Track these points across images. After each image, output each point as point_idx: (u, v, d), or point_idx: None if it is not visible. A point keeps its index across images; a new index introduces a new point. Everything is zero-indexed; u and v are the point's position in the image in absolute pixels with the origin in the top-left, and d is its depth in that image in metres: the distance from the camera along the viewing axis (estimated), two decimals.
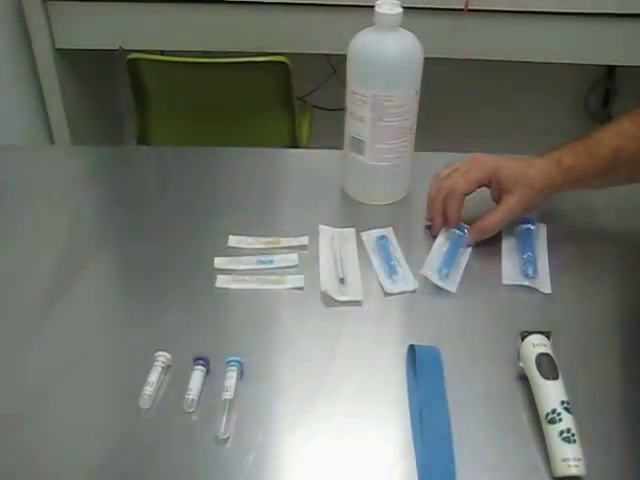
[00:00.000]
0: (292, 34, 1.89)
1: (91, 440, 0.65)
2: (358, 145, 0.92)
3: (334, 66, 2.18)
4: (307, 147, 1.90)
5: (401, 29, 0.86)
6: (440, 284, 0.81)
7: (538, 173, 0.84)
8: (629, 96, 2.34)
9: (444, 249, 0.86)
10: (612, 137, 0.85)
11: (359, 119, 0.90)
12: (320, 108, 2.17)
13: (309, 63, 1.89)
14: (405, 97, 0.88)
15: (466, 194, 0.86)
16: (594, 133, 0.86)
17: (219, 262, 0.85)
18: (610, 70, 2.37)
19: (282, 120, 1.81)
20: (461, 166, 0.87)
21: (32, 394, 0.69)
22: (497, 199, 0.87)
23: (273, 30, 1.88)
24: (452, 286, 0.81)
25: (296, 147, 1.84)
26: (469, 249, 0.87)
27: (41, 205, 0.97)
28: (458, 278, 0.82)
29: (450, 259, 0.84)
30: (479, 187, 0.86)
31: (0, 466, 0.62)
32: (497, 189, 0.86)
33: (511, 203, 0.85)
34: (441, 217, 0.87)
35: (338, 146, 0.98)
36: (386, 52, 0.85)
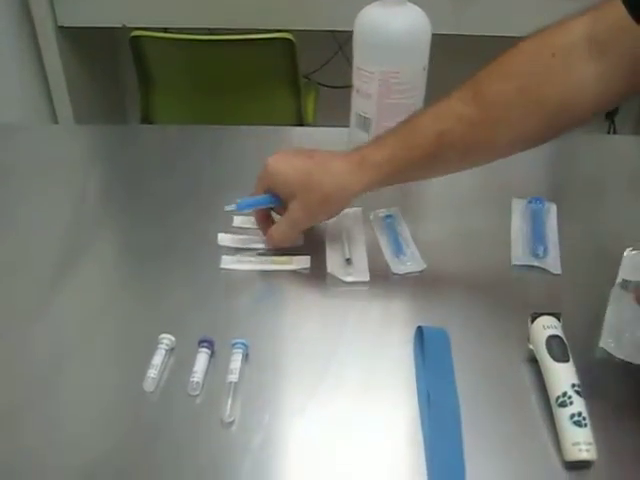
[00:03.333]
0: (297, 11, 1.86)
1: (96, 424, 0.64)
2: (364, 123, 0.90)
3: (340, 43, 2.15)
4: (312, 125, 1.89)
5: (408, 3, 0.84)
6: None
7: (326, 176, 0.76)
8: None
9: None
10: (433, 121, 0.73)
11: (365, 96, 0.88)
12: (325, 86, 2.15)
13: (314, 40, 1.87)
14: (412, 73, 0.86)
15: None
16: (412, 119, 0.76)
17: (222, 239, 0.85)
18: None
19: (287, 98, 1.79)
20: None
21: (36, 377, 0.68)
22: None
23: (278, 7, 1.86)
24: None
25: (301, 125, 1.83)
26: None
27: (44, 185, 0.96)
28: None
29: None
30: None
31: (5, 451, 0.61)
32: (282, 195, 0.79)
33: (294, 212, 0.77)
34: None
35: (344, 124, 0.96)
36: (393, 27, 0.83)
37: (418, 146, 0.73)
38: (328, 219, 0.82)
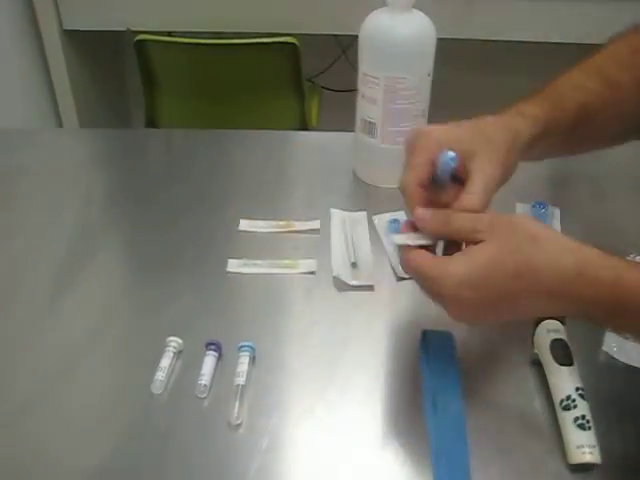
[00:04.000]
0: (301, 15, 1.87)
1: (104, 425, 0.65)
2: (369, 127, 0.91)
3: (343, 47, 2.16)
4: (316, 128, 1.89)
5: (414, 10, 0.85)
6: None
7: (495, 128, 0.66)
8: None
9: None
10: (574, 91, 0.70)
11: (370, 101, 0.89)
12: (329, 89, 2.15)
13: (318, 44, 1.87)
14: (417, 79, 0.87)
15: (421, 185, 0.63)
16: (552, 86, 0.71)
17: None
18: None
19: (291, 101, 1.79)
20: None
21: (44, 379, 0.69)
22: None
23: (282, 11, 1.86)
24: None
25: (305, 128, 1.83)
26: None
27: (50, 188, 0.97)
28: None
29: None
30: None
31: (15, 450, 0.62)
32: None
33: (484, 167, 0.62)
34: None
35: (347, 128, 0.97)
36: (398, 33, 0.84)
37: (565, 109, 0.69)
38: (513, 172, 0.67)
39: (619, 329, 0.61)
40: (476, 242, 0.57)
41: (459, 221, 0.59)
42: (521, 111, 0.67)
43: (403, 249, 0.60)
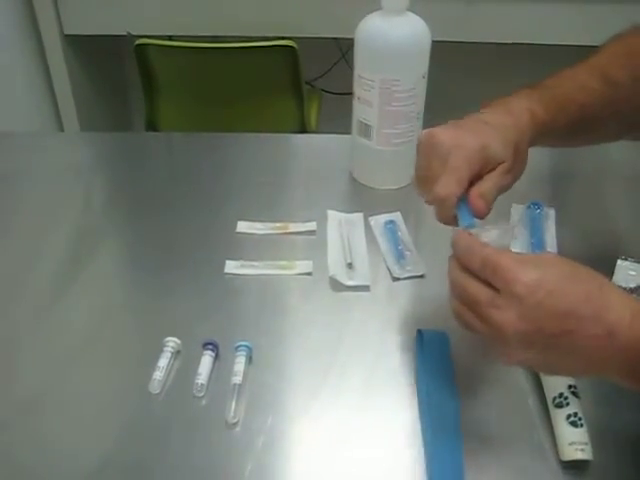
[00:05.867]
0: (301, 18, 1.87)
1: (102, 424, 0.65)
2: (366, 129, 0.92)
3: (342, 50, 2.17)
4: (315, 131, 1.90)
5: (409, 13, 0.86)
6: None
7: (517, 135, 0.67)
8: None
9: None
10: (578, 92, 0.72)
11: (366, 103, 0.89)
12: (329, 92, 2.16)
13: (318, 47, 1.88)
14: (413, 81, 0.87)
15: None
16: (557, 84, 0.72)
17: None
18: None
19: (290, 104, 1.80)
20: (444, 159, 0.65)
21: (43, 379, 0.70)
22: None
23: (282, 14, 1.87)
24: None
25: (305, 131, 1.84)
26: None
27: (51, 192, 0.97)
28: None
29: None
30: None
31: (14, 448, 0.63)
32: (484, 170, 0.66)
33: (502, 171, 0.66)
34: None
35: (347, 130, 0.97)
36: (393, 36, 0.85)
37: (568, 113, 0.70)
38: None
39: None
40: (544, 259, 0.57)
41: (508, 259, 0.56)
42: (530, 110, 0.69)
43: (466, 240, 0.59)
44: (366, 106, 0.90)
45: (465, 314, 0.57)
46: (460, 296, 0.58)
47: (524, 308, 0.53)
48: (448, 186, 0.63)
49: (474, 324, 0.56)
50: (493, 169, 0.65)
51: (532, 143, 0.69)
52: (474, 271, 0.57)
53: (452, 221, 0.66)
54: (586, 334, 0.52)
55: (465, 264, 0.58)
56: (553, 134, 0.71)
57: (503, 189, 0.67)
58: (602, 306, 0.53)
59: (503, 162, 0.66)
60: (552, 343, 0.53)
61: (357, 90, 0.91)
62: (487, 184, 0.65)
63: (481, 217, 0.64)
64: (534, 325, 0.53)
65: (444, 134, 0.66)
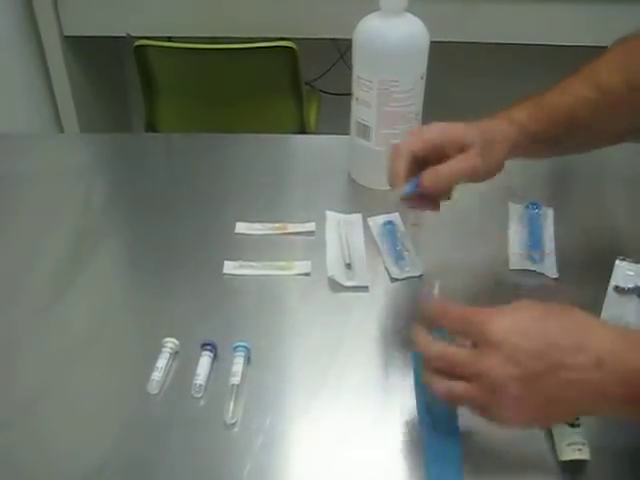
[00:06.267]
0: (300, 19, 1.88)
1: (101, 424, 0.66)
2: (364, 130, 0.92)
3: (341, 51, 2.17)
4: (315, 132, 1.90)
5: (407, 14, 0.86)
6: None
7: (499, 132, 0.72)
8: None
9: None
10: (565, 99, 0.74)
11: (365, 104, 0.90)
12: (328, 93, 2.16)
13: (317, 48, 1.88)
14: (411, 82, 0.88)
15: (415, 152, 0.70)
16: (546, 94, 0.75)
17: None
18: None
19: (290, 105, 1.80)
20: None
21: (42, 380, 0.70)
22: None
23: (281, 15, 1.87)
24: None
25: (304, 132, 1.84)
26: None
27: (51, 193, 0.98)
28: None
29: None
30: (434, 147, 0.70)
31: (14, 448, 0.63)
32: (452, 148, 0.70)
33: (471, 154, 0.69)
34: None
35: (346, 131, 0.97)
36: (391, 37, 0.85)
37: (554, 123, 0.73)
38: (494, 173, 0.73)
39: None
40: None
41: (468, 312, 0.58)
42: (511, 117, 0.73)
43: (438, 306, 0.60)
44: (365, 107, 0.90)
45: (453, 386, 0.56)
46: (440, 368, 0.57)
47: (504, 353, 0.54)
48: (408, 140, 0.70)
49: (465, 390, 0.56)
50: (462, 151, 0.69)
51: (519, 150, 0.72)
52: (449, 327, 0.59)
53: (399, 179, 0.69)
54: (572, 366, 0.53)
55: (437, 323, 0.59)
56: (541, 141, 0.73)
57: (467, 174, 0.69)
58: (584, 336, 0.54)
59: (472, 145, 0.69)
60: (542, 384, 0.53)
61: (356, 91, 0.91)
62: (447, 164, 0.68)
63: (426, 190, 0.69)
64: (520, 368, 0.53)
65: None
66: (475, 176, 0.70)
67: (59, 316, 0.77)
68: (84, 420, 0.66)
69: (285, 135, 1.17)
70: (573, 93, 0.74)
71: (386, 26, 0.85)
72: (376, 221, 0.89)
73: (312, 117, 1.93)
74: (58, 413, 0.67)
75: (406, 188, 0.69)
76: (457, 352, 0.57)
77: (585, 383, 0.53)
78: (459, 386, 0.56)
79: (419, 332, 0.60)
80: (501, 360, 0.54)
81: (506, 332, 0.54)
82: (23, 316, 0.77)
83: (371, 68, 0.87)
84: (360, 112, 0.91)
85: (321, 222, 0.89)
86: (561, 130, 0.74)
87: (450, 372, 0.56)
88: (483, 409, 0.57)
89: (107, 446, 0.63)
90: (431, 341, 0.59)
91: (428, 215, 0.90)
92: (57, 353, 0.73)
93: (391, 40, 0.85)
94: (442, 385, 0.57)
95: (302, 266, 0.83)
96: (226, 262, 0.83)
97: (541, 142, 0.73)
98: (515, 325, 0.55)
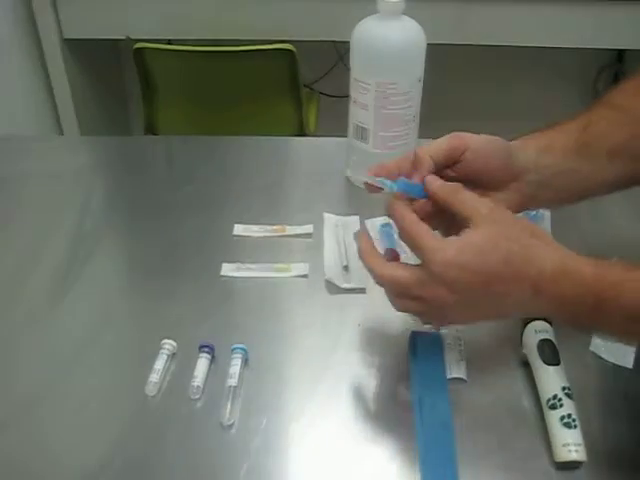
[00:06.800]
0: (299, 22, 1.88)
1: (99, 426, 0.66)
2: (362, 133, 0.92)
3: (340, 53, 2.17)
4: (314, 134, 1.90)
5: (404, 16, 0.86)
6: None
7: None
8: None
9: None
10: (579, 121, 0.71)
11: (362, 107, 0.90)
12: (327, 95, 2.17)
13: (316, 50, 1.89)
14: (408, 84, 0.88)
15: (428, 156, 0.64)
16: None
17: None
18: (620, 54, 2.36)
19: (289, 108, 1.81)
20: None
21: (41, 381, 0.70)
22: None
23: (280, 18, 1.88)
24: None
25: (303, 134, 1.84)
26: None
27: (50, 195, 0.98)
28: None
29: None
30: (448, 157, 0.64)
31: (13, 448, 0.64)
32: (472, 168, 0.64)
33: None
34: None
35: (345, 133, 0.98)
36: (388, 39, 0.85)
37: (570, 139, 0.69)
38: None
39: (600, 328, 0.61)
40: (473, 222, 0.58)
41: (466, 194, 0.60)
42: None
43: (401, 210, 0.61)
44: (362, 109, 0.90)
45: (405, 304, 0.61)
46: (392, 290, 0.62)
47: (444, 284, 0.57)
48: (424, 149, 0.64)
49: (414, 309, 0.61)
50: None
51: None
52: (400, 234, 0.61)
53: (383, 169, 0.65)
54: (512, 292, 0.57)
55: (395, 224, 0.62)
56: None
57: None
58: (523, 263, 0.57)
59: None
60: (481, 305, 0.59)
61: (353, 93, 0.91)
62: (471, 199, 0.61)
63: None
64: (460, 295, 0.57)
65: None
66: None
67: (58, 317, 0.77)
68: (82, 421, 0.66)
69: (283, 137, 1.17)
70: (586, 117, 0.70)
71: (383, 29, 0.86)
72: (373, 223, 0.89)
73: (311, 119, 1.94)
74: (56, 414, 0.67)
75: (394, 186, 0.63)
76: (403, 277, 0.59)
77: (522, 306, 0.59)
78: (410, 305, 0.61)
79: (372, 255, 0.63)
80: (441, 289, 0.57)
81: (446, 266, 0.56)
82: (22, 317, 0.78)
83: (368, 70, 0.87)
84: (358, 114, 0.91)
85: (319, 224, 0.90)
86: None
87: (402, 292, 0.60)
88: (432, 321, 0.64)
89: (105, 447, 0.64)
90: (383, 264, 0.62)
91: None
92: (56, 354, 0.73)
93: (388, 43, 0.85)
94: (397, 304, 0.62)
95: (300, 268, 0.83)
96: (224, 264, 0.83)
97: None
98: (457, 258, 0.56)
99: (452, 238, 0.58)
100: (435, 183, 0.62)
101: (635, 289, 0.56)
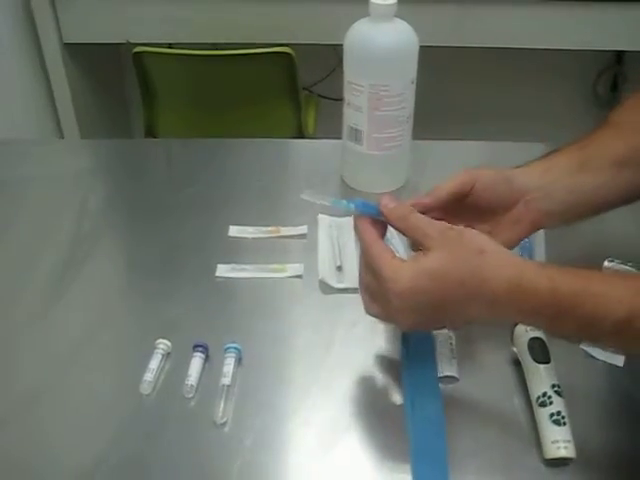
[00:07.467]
0: (298, 25, 1.89)
1: (95, 424, 0.67)
2: (356, 135, 0.93)
3: (340, 56, 2.18)
4: (313, 137, 1.91)
5: (396, 19, 0.87)
6: None
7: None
8: (638, 82, 2.33)
9: None
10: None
11: (356, 109, 0.91)
12: (326, 98, 2.18)
13: (315, 53, 1.90)
14: (401, 86, 0.89)
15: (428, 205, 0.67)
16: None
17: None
18: (619, 56, 2.36)
19: (288, 111, 1.82)
20: None
21: (38, 380, 0.71)
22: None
23: (279, 21, 1.88)
24: None
25: (302, 137, 1.85)
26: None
27: (50, 198, 0.99)
28: None
29: None
30: (456, 196, 0.68)
31: (12, 445, 0.65)
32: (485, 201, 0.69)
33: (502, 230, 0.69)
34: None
35: None
36: (380, 42, 0.86)
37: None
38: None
39: (561, 334, 0.61)
40: (425, 246, 0.60)
41: (415, 221, 0.62)
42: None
43: (362, 228, 0.64)
44: (356, 111, 0.91)
45: (368, 307, 0.65)
46: (360, 282, 0.65)
47: (404, 309, 0.60)
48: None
49: (376, 312, 0.64)
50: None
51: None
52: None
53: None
54: (469, 310, 0.59)
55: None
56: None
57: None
58: (477, 286, 0.58)
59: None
60: (443, 317, 0.61)
61: (347, 96, 0.92)
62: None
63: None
64: (416, 314, 0.60)
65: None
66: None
67: (56, 317, 0.78)
68: (78, 419, 0.67)
69: (280, 140, 1.18)
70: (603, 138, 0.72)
71: (375, 31, 0.86)
72: None
73: (310, 122, 1.94)
74: (53, 413, 0.68)
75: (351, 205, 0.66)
76: (368, 289, 0.63)
77: (482, 317, 0.60)
78: (372, 308, 0.64)
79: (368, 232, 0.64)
80: (400, 313, 0.60)
81: (402, 297, 0.59)
82: (21, 317, 0.78)
83: (361, 73, 0.88)
84: (352, 116, 0.92)
85: (313, 225, 0.90)
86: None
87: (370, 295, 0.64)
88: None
89: (101, 445, 0.64)
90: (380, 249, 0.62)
91: None
92: (53, 353, 0.74)
93: (380, 45, 0.86)
94: (364, 303, 0.65)
95: (294, 268, 0.84)
96: (219, 265, 0.84)
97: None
98: (412, 286, 0.58)
99: (408, 263, 0.60)
100: (388, 205, 0.63)
101: (589, 300, 0.57)
